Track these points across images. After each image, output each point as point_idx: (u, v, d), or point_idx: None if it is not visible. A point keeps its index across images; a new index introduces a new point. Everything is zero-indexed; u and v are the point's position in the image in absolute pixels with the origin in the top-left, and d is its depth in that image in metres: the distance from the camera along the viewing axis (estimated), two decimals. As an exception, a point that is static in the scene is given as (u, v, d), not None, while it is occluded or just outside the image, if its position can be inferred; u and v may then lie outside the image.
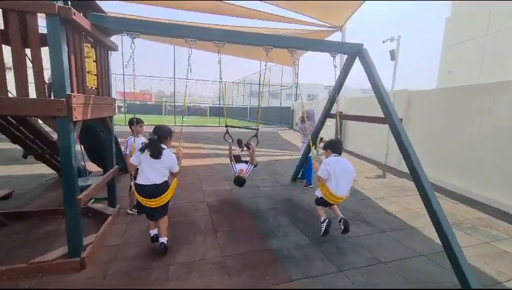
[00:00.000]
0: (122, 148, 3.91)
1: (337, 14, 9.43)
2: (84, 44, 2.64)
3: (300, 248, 2.94)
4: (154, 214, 2.77)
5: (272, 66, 20.52)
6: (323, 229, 3.14)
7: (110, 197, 3.60)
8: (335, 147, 3.35)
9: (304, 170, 5.41)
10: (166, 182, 2.75)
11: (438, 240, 3.16)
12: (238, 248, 2.89)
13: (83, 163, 4.95)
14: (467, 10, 12.76)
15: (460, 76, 11.71)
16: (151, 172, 2.65)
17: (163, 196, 2.68)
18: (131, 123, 3.49)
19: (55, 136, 2.68)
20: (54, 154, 4.42)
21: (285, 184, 5.33)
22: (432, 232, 3.36)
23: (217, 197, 4.45)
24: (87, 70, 2.69)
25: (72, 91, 2.31)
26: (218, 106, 25.97)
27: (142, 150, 2.66)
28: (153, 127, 2.88)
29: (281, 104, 21.35)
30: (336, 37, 13.65)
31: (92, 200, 4.08)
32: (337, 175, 3.09)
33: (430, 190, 2.62)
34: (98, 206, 3.58)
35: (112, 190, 3.59)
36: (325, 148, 3.43)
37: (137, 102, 35.78)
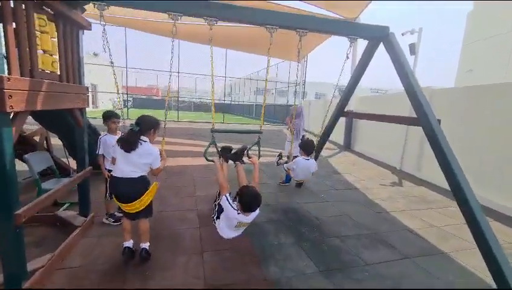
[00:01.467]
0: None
1: (350, 4, 8.68)
2: (37, 15, 2.07)
3: (305, 279, 2.34)
4: (134, 215, 2.46)
5: (279, 62, 19.83)
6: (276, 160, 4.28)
7: (82, 204, 3.05)
8: (309, 148, 3.78)
9: None
10: (144, 177, 2.42)
11: (478, 273, 2.56)
12: (226, 276, 2.31)
13: (65, 160, 4.44)
14: (492, 4, 11.81)
15: (481, 75, 10.84)
16: (127, 166, 2.34)
17: (142, 197, 2.36)
18: (105, 118, 2.95)
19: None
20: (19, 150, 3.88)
21: (289, 191, 4.73)
22: (467, 261, 2.73)
23: (210, 204, 3.86)
24: (41, 48, 2.13)
25: (9, 73, 1.75)
26: (223, 101, 25.40)
27: (119, 141, 2.38)
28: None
29: (287, 101, 20.66)
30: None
31: (67, 205, 3.56)
32: (300, 171, 3.74)
33: (481, 215, 1.98)
34: (67, 214, 3.04)
35: (84, 196, 3.04)
36: (301, 148, 3.86)
37: (144, 96, 35.57)
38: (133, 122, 2.42)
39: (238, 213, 2.28)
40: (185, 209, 3.63)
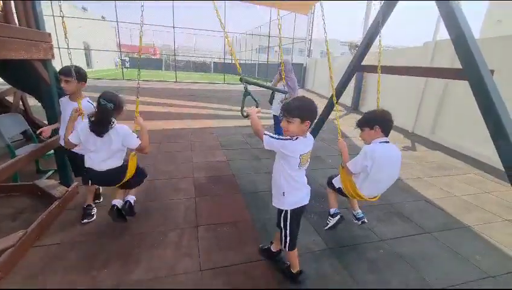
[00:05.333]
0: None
1: None
2: None
3: (312, 258, 2.07)
4: (123, 185, 2.22)
5: (283, 14, 18.11)
6: (330, 224, 2.32)
7: (61, 173, 2.72)
8: (386, 124, 1.99)
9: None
10: (124, 165, 2.12)
11: (506, 248, 2.27)
12: (223, 255, 2.03)
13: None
14: None
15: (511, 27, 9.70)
16: (101, 154, 2.00)
17: (123, 179, 2.12)
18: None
19: None
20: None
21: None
22: (494, 235, 2.43)
23: (207, 171, 3.55)
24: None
25: None
26: (223, 61, 23.98)
27: (90, 123, 1.93)
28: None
29: (292, 60, 19.40)
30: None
31: (51, 172, 3.25)
32: (379, 171, 1.94)
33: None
34: (47, 184, 2.72)
35: (63, 163, 2.69)
36: (368, 124, 2.03)
37: (142, 56, 33.98)
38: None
39: (293, 140, 1.56)
40: (180, 178, 3.31)
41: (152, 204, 2.68)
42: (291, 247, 1.77)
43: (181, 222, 2.42)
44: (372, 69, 2.76)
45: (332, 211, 2.35)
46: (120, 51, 16.03)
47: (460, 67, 1.99)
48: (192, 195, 2.91)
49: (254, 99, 2.37)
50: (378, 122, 1.99)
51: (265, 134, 1.62)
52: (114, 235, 2.17)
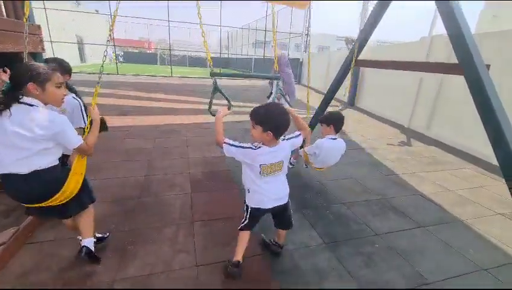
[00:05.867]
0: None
1: None
2: None
3: (308, 254, 2.07)
4: (58, 213, 1.65)
5: (280, 9, 17.94)
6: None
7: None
8: (338, 125, 2.64)
9: None
10: (51, 169, 1.49)
11: (501, 244, 2.30)
12: (220, 251, 2.03)
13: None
14: None
15: (507, 21, 9.74)
16: (5, 151, 1.38)
17: (54, 196, 1.49)
18: None
19: None
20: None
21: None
22: (487, 229, 2.47)
23: (204, 167, 3.53)
24: None
25: None
26: (219, 55, 23.76)
27: None
28: None
29: (288, 55, 19.28)
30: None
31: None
32: (325, 157, 2.67)
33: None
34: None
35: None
36: (326, 122, 2.66)
37: (136, 50, 33.43)
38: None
39: (255, 148, 1.55)
40: (176, 173, 3.28)
41: (147, 200, 2.65)
42: (241, 228, 1.78)
43: (177, 217, 2.41)
44: (367, 63, 2.74)
45: (291, 160, 3.35)
46: (114, 45, 15.77)
47: (456, 62, 1.99)
48: (188, 191, 2.89)
49: (226, 98, 2.33)
50: (332, 122, 2.62)
51: (225, 142, 1.59)
52: (108, 231, 2.14)
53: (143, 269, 1.81)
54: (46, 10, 12.43)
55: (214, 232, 2.24)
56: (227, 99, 2.24)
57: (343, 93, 5.05)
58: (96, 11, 23.26)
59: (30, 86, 1.37)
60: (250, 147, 1.56)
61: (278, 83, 3.09)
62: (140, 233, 2.16)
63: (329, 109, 3.43)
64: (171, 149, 4.07)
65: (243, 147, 1.57)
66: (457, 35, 1.86)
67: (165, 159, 3.69)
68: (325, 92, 3.82)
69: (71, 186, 1.56)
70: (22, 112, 1.35)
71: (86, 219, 1.76)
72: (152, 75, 15.35)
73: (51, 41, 12.41)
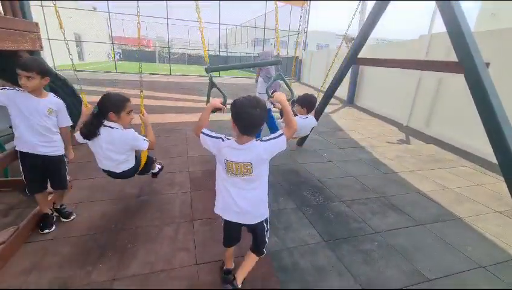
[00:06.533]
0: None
1: None
2: None
3: (308, 251, 2.08)
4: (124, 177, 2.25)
5: (279, 6, 17.88)
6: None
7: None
8: (310, 107, 3.03)
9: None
10: (131, 169, 2.18)
11: (499, 242, 2.32)
12: (220, 249, 2.01)
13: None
14: None
15: (506, 20, 9.73)
16: (108, 160, 2.05)
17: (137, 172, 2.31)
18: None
19: None
20: None
21: (289, 149, 4.36)
22: (485, 227, 2.48)
23: (203, 165, 3.53)
24: None
25: None
26: (219, 53, 23.68)
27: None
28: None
29: (287, 53, 19.25)
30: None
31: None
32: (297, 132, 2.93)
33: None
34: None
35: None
36: (301, 104, 3.01)
37: (134, 48, 33.28)
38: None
39: (223, 140, 1.45)
40: (175, 172, 3.28)
41: (147, 198, 2.65)
42: (224, 244, 1.68)
43: (177, 216, 2.41)
44: (367, 62, 2.74)
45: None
46: (113, 43, 15.69)
47: (455, 60, 2.00)
48: (188, 189, 2.89)
49: (222, 93, 2.32)
50: (305, 104, 2.99)
51: (202, 132, 1.50)
52: (109, 230, 2.15)
53: (143, 267, 1.81)
54: (43, 8, 12.35)
55: (213, 230, 2.24)
56: (223, 94, 2.23)
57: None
58: (94, 8, 23.09)
59: (111, 115, 1.91)
60: (221, 138, 1.46)
61: (279, 68, 2.86)
62: (140, 231, 2.16)
63: (328, 107, 3.43)
64: (171, 148, 4.06)
65: (215, 137, 1.48)
66: (457, 34, 1.87)
67: (164, 157, 3.69)
68: (324, 90, 3.83)
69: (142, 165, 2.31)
70: (107, 133, 1.92)
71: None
72: (151, 73, 15.29)
73: (48, 39, 12.33)
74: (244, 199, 1.45)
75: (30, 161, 1.96)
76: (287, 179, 3.28)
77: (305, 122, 3.05)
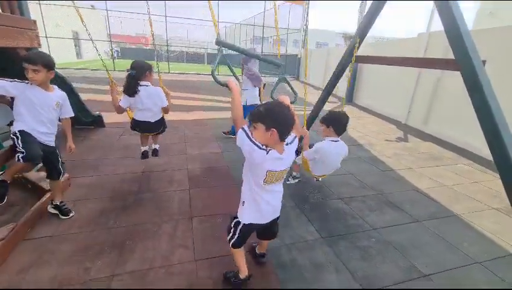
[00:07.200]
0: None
1: None
2: None
3: (306, 248, 2.09)
4: (152, 129, 2.91)
5: (279, 4, 17.84)
6: (289, 182, 3.11)
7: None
8: (339, 126, 2.52)
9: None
10: (161, 119, 2.89)
11: (496, 238, 2.34)
12: (218, 246, 2.04)
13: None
14: None
15: (505, 18, 9.75)
16: (148, 111, 2.73)
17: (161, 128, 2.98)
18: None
19: None
20: None
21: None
22: (481, 223, 2.51)
23: (202, 163, 3.53)
24: None
25: None
26: (216, 51, 23.57)
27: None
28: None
29: (286, 51, 19.22)
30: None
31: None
32: (324, 163, 2.60)
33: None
34: (38, 176, 2.68)
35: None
36: (325, 122, 2.58)
37: (133, 46, 33.13)
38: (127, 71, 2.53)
39: (267, 152, 1.31)
40: (175, 169, 3.29)
41: (146, 196, 2.66)
42: (233, 246, 1.61)
43: (175, 213, 2.42)
44: (365, 59, 2.75)
45: (294, 173, 3.14)
46: (111, 41, 15.62)
47: (453, 58, 2.00)
48: (187, 187, 2.90)
49: (233, 73, 2.24)
50: (331, 123, 2.52)
51: (243, 128, 1.36)
52: (107, 227, 2.16)
53: (142, 264, 1.82)
54: (40, 6, 12.27)
55: (212, 227, 2.25)
56: (234, 74, 2.22)
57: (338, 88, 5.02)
58: (92, 6, 22.94)
59: (147, 74, 2.62)
60: (263, 148, 1.31)
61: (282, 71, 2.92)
62: (139, 229, 2.17)
63: (328, 105, 3.42)
64: (169, 145, 4.06)
65: (256, 144, 1.31)
66: (454, 32, 1.87)
67: (163, 155, 3.68)
68: (323, 89, 3.82)
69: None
70: (143, 90, 2.58)
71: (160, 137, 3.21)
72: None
73: (46, 37, 12.27)
74: (276, 200, 1.55)
75: (32, 138, 1.97)
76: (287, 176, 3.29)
77: (336, 148, 2.50)
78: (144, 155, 3.05)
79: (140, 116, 2.72)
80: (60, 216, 2.24)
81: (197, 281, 1.73)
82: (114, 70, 13.96)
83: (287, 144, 1.41)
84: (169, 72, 15.41)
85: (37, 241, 1.98)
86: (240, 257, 1.65)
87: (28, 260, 1.80)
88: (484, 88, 1.71)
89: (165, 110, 2.83)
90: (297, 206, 2.65)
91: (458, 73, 1.94)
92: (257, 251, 1.91)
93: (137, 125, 2.80)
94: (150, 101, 2.63)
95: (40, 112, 1.97)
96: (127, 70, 2.54)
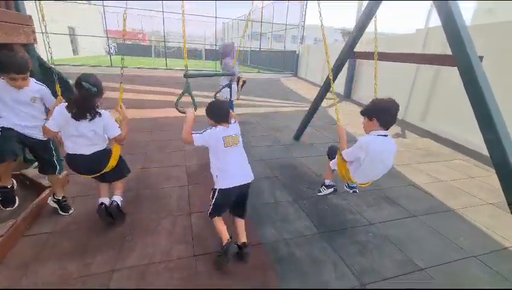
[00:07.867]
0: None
1: None
2: None
3: (304, 242, 2.12)
4: (105, 177, 2.15)
5: (275, 1, 17.74)
6: (322, 193, 2.60)
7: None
8: (387, 117, 1.88)
9: None
10: (106, 150, 2.09)
11: (491, 233, 2.37)
12: (216, 241, 2.04)
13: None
14: None
15: (503, 15, 9.74)
16: (84, 139, 1.93)
17: (106, 166, 2.08)
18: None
19: None
20: None
21: (286, 143, 4.39)
22: (477, 218, 2.54)
23: (199, 159, 3.54)
24: None
25: None
26: (216, 48, 23.46)
27: (69, 106, 1.84)
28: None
29: (284, 47, 19.13)
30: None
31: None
32: (371, 164, 1.96)
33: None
34: (35, 173, 2.67)
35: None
36: (367, 113, 1.97)
37: (129, 42, 32.84)
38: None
39: (215, 127, 1.85)
40: (172, 166, 3.29)
41: (144, 192, 2.67)
42: (210, 214, 1.90)
43: (174, 209, 2.43)
44: (364, 55, 2.75)
45: (327, 182, 2.57)
46: (107, 37, 15.46)
47: (451, 54, 2.01)
48: (185, 183, 2.91)
49: (193, 100, 2.54)
50: (375, 114, 1.90)
51: (194, 137, 1.82)
52: (106, 224, 2.16)
53: (142, 259, 1.83)
54: (36, 2, 12.08)
55: (211, 223, 2.26)
56: (193, 101, 2.51)
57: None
58: (88, 1, 22.67)
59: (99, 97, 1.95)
60: (210, 129, 1.85)
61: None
62: (138, 225, 2.18)
63: (325, 101, 3.43)
64: (167, 142, 4.06)
65: (206, 131, 1.84)
66: (451, 28, 1.88)
67: (161, 151, 3.69)
68: (321, 85, 3.83)
69: (112, 161, 2.08)
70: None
71: (121, 184, 2.26)
72: (147, 68, 15.13)
73: (42, 33, 12.09)
74: (241, 162, 1.88)
75: (11, 134, 1.96)
76: (284, 172, 3.31)
77: (386, 143, 1.92)
78: (99, 210, 2.05)
79: (72, 148, 1.95)
80: (60, 212, 2.24)
81: (198, 285, 1.75)
82: (111, 66, 13.86)
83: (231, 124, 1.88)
84: (167, 68, 15.32)
85: (36, 238, 1.98)
86: (220, 224, 1.87)
87: (27, 256, 1.81)
88: (480, 81, 1.72)
89: (118, 140, 2.07)
90: (295, 202, 2.67)
91: (455, 69, 1.96)
92: (238, 243, 1.83)
93: (70, 162, 2.01)
94: (91, 126, 1.91)
95: (15, 107, 1.98)
96: (84, 86, 1.81)
